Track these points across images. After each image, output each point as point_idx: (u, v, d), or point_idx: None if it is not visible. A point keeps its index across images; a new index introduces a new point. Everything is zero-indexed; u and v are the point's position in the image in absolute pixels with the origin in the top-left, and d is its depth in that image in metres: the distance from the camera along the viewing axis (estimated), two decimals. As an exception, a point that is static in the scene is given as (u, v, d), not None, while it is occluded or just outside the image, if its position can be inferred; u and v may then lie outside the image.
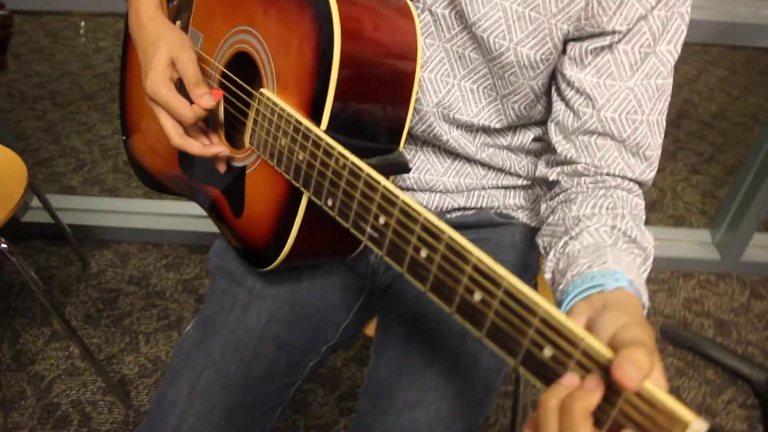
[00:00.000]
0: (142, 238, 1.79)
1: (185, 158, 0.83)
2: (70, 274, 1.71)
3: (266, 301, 0.79)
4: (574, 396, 0.42)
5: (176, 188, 0.89)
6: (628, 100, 0.66)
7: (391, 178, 0.74)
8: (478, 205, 0.82)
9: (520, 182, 0.83)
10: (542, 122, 0.78)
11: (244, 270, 0.81)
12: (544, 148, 0.81)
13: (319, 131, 0.63)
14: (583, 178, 0.70)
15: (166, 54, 0.70)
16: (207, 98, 0.70)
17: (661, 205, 2.03)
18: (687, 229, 1.91)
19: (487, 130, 0.76)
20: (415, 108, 0.71)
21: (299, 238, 0.70)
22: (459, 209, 0.82)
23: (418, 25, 0.69)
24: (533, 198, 0.85)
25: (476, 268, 0.49)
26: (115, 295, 1.66)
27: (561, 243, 0.64)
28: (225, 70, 0.75)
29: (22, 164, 1.22)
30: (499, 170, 0.80)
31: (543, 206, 0.74)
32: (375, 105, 0.68)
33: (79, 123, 2.26)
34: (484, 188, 0.81)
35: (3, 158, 1.26)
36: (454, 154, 0.78)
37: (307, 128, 0.63)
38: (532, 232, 0.84)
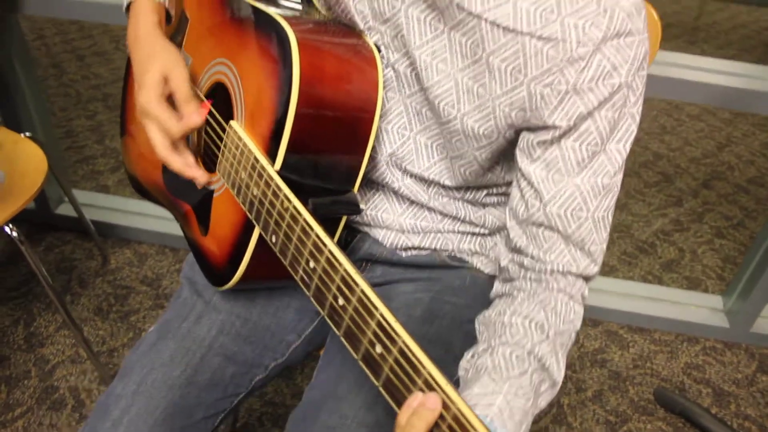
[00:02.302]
0: (161, 241, 1.89)
1: (168, 170, 0.90)
2: (90, 268, 1.81)
3: (219, 314, 0.85)
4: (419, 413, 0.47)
5: (156, 195, 0.95)
6: (574, 197, 0.68)
7: (344, 218, 0.77)
8: (433, 247, 0.85)
9: (476, 230, 0.85)
10: (493, 185, 0.81)
11: (207, 283, 0.86)
12: (499, 201, 0.84)
13: (272, 171, 0.66)
14: (529, 273, 0.72)
15: (159, 70, 0.74)
16: (195, 115, 0.73)
17: (678, 266, 1.99)
18: (698, 293, 1.87)
19: (438, 184, 0.79)
20: (369, 156, 0.75)
21: (251, 265, 0.75)
22: (414, 248, 0.85)
23: (380, 76, 0.71)
24: (490, 245, 0.87)
25: (379, 324, 0.52)
26: (127, 292, 1.75)
27: (481, 348, 0.68)
28: (204, 98, 0.81)
29: (44, 159, 1.31)
30: (455, 218, 0.84)
31: (496, 283, 0.78)
32: (330, 150, 0.71)
33: (124, 126, 2.39)
34: (440, 231, 0.84)
35: (28, 151, 1.36)
36: (410, 199, 0.82)
37: (262, 167, 0.67)
38: (483, 277, 0.87)
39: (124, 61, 1.03)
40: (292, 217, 0.63)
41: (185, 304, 0.86)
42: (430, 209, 0.82)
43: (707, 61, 1.47)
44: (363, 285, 0.54)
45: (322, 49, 0.70)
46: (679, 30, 3.69)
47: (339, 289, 0.57)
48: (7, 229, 1.23)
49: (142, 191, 0.99)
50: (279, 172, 0.67)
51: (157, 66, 0.74)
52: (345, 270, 0.56)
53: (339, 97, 0.70)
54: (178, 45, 0.88)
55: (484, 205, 0.84)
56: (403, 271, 0.86)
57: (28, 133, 1.45)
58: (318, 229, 0.60)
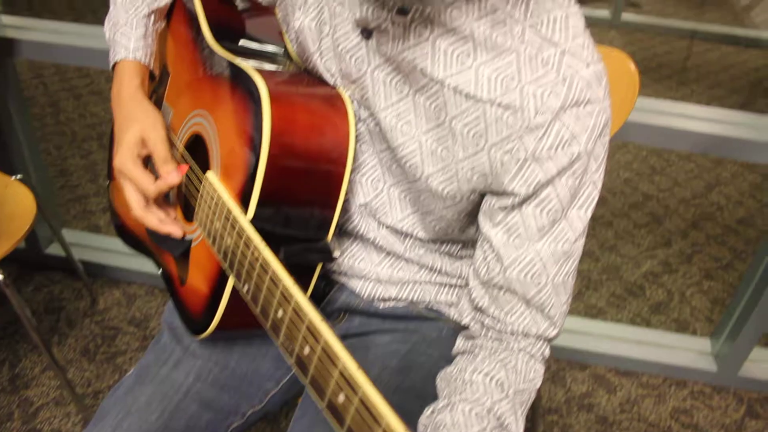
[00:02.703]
0: (151, 282, 1.89)
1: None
2: (79, 308, 1.81)
3: (197, 360, 0.85)
4: None
5: (139, 241, 0.97)
6: (534, 262, 0.68)
7: (320, 266, 0.78)
8: (410, 298, 0.85)
9: (453, 281, 0.86)
10: (468, 240, 0.82)
11: (186, 329, 0.87)
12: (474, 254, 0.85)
13: (245, 222, 0.67)
14: (490, 332, 0.73)
15: (137, 132, 0.77)
16: (174, 174, 0.76)
17: (666, 308, 2.00)
18: (686, 336, 1.87)
19: (413, 236, 0.80)
20: (344, 206, 0.76)
21: (227, 314, 0.75)
22: (391, 299, 0.85)
23: (352, 129, 0.73)
24: (467, 296, 0.88)
25: (341, 373, 0.53)
26: (115, 333, 1.75)
27: (440, 404, 0.68)
28: (183, 150, 0.83)
29: (33, 203, 1.33)
30: (431, 269, 0.84)
31: (458, 340, 0.78)
32: (302, 201, 0.72)
33: (118, 166, 2.42)
34: (417, 282, 0.85)
35: (18, 195, 1.38)
36: (386, 249, 0.83)
37: (234, 217, 0.69)
38: (460, 329, 0.88)
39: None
40: (262, 267, 0.64)
41: (164, 350, 0.87)
42: (406, 260, 0.83)
43: (690, 108, 1.50)
44: (327, 334, 0.55)
45: (294, 102, 0.71)
46: (669, 70, 3.75)
47: (305, 337, 0.58)
48: (-8, 271, 1.24)
49: (126, 237, 1.00)
50: (251, 222, 0.68)
51: (136, 128, 0.77)
52: (310, 320, 0.57)
53: (311, 149, 0.71)
54: (160, 96, 0.90)
55: (461, 257, 0.85)
56: (381, 322, 0.87)
57: (18, 176, 1.47)
58: (286, 279, 0.61)
